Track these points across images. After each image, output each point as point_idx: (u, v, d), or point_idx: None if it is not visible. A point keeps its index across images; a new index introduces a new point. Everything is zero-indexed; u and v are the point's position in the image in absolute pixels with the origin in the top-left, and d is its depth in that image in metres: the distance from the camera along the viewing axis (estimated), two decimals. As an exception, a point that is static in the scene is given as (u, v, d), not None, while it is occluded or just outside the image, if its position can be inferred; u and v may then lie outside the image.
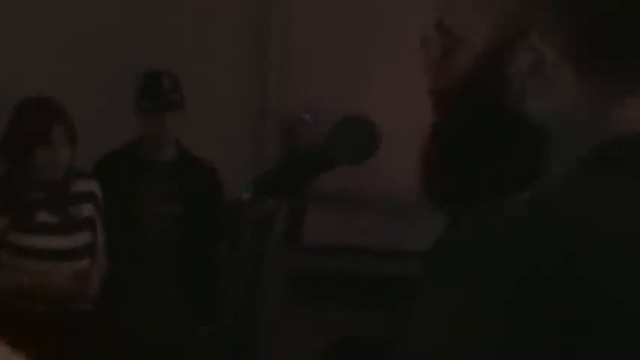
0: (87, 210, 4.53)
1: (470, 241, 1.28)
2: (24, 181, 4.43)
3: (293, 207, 1.75)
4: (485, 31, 1.38)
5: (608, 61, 1.34)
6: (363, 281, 6.02)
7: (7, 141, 4.47)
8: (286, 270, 4.64)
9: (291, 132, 6.13)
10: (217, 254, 5.15)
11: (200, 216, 5.07)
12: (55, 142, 4.40)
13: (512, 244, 1.26)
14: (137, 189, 5.00)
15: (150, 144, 5.04)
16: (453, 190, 1.45)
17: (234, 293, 4.79)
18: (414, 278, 1.36)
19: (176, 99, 5.01)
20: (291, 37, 6.53)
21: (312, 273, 5.70)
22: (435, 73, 1.41)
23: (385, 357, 1.35)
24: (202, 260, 5.13)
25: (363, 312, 5.67)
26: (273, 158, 6.02)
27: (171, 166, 5.10)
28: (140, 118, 5.04)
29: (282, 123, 6.22)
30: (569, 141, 1.37)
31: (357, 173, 3.37)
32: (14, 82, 5.08)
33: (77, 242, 4.51)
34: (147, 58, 5.57)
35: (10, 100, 4.62)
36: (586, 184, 1.33)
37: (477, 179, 1.43)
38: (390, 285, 4.62)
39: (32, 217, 4.42)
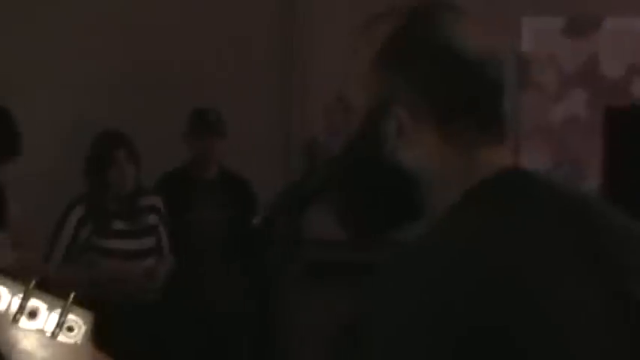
0: (152, 219, 4.68)
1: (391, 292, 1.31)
2: (103, 196, 4.54)
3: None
4: (366, 102, 1.42)
5: (458, 124, 1.40)
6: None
7: (88, 165, 4.58)
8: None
9: (311, 152, 6.24)
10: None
11: (238, 220, 5.15)
12: (120, 162, 4.56)
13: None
14: (189, 201, 5.16)
15: (198, 165, 5.24)
16: (356, 226, 1.50)
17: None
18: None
19: (220, 129, 5.19)
20: (312, 71, 6.52)
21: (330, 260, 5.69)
22: (336, 133, 1.54)
23: None
24: (242, 256, 5.21)
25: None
26: (298, 174, 6.13)
27: (214, 182, 5.25)
28: (191, 144, 5.23)
29: (304, 145, 6.30)
30: (442, 186, 1.40)
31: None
32: (95, 118, 5.26)
33: (145, 245, 4.65)
34: (195, 93, 5.80)
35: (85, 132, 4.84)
36: (461, 223, 1.36)
37: (368, 219, 1.48)
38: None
39: (110, 225, 4.57)
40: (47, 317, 1.36)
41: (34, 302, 1.35)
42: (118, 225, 4.61)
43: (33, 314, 1.35)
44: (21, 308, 1.34)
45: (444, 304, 1.25)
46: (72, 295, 1.40)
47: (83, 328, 1.40)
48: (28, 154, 4.54)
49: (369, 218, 1.47)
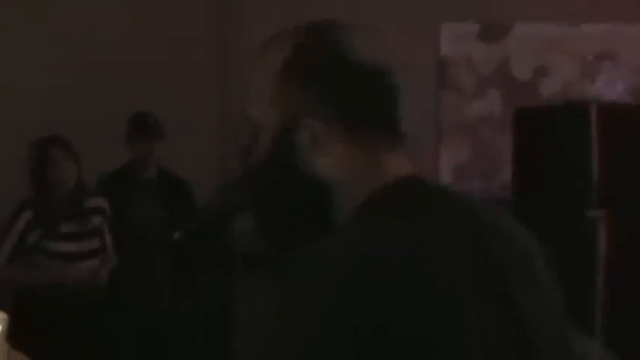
0: (97, 221, 4.62)
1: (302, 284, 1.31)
2: (46, 197, 4.48)
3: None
4: (276, 119, 1.42)
5: (363, 131, 1.42)
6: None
7: (29, 167, 4.53)
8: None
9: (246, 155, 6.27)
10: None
11: (176, 217, 5.05)
12: (58, 160, 4.50)
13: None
14: (129, 200, 5.13)
15: (138, 166, 5.21)
16: (274, 238, 1.49)
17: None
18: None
19: (158, 132, 5.17)
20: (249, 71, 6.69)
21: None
22: (247, 154, 1.48)
23: None
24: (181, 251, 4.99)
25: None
26: (235, 174, 6.12)
27: (154, 182, 5.23)
28: (131, 147, 5.20)
29: (239, 145, 6.32)
30: (353, 190, 1.41)
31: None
32: (33, 124, 5.10)
33: (90, 246, 4.60)
34: (134, 97, 5.67)
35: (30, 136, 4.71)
36: (364, 227, 1.37)
37: (288, 230, 1.47)
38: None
39: (58, 229, 4.50)
40: None
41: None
42: (66, 228, 4.55)
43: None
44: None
45: (344, 303, 1.26)
46: None
47: None
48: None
49: (286, 232, 1.47)
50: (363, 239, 1.33)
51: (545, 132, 5.41)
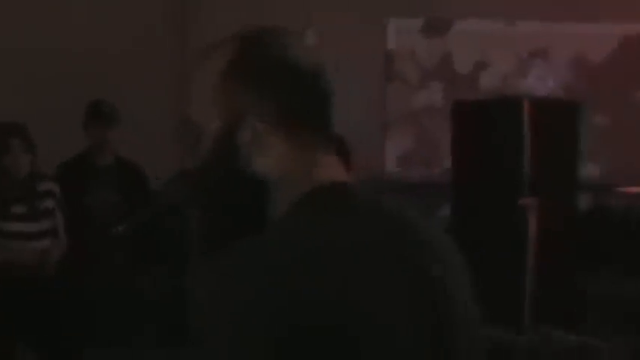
0: (49, 203, 4.59)
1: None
2: (1, 184, 4.47)
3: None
4: (218, 119, 1.43)
5: (301, 133, 1.42)
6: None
7: None
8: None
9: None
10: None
11: (131, 201, 5.13)
12: (14, 150, 4.47)
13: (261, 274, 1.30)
14: (87, 186, 5.10)
15: (95, 152, 5.19)
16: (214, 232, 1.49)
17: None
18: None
19: (113, 119, 5.15)
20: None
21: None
22: (191, 156, 1.48)
23: None
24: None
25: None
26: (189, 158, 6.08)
27: (110, 168, 5.21)
28: (88, 134, 5.17)
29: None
30: (288, 190, 1.42)
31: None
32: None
33: (42, 227, 4.58)
34: (91, 85, 5.66)
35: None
36: (295, 223, 1.38)
37: (227, 225, 1.47)
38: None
39: (9, 209, 4.49)
40: None
41: None
42: (18, 209, 4.54)
43: None
44: None
45: (272, 292, 1.27)
46: None
47: None
48: None
49: (225, 227, 1.48)
50: (293, 234, 1.35)
51: (481, 124, 5.47)
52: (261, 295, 1.27)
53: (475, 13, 6.99)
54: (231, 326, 1.28)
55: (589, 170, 6.86)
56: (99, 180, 5.16)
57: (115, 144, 5.24)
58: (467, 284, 1.52)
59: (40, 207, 4.59)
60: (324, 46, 6.86)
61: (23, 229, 4.55)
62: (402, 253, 1.40)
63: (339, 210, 1.40)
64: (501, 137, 5.27)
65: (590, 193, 6.40)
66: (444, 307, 1.42)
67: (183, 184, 4.36)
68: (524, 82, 5.83)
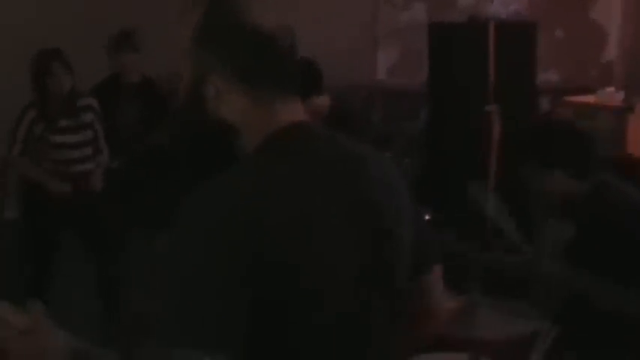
0: (89, 117, 4.55)
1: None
2: (47, 100, 4.41)
3: None
4: (191, 72, 1.44)
5: (259, 86, 1.41)
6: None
7: (32, 76, 4.44)
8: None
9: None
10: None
11: (155, 115, 5.05)
12: (57, 72, 4.39)
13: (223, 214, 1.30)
14: (118, 100, 5.06)
15: (124, 73, 5.12)
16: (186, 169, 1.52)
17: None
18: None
19: (134, 44, 5.09)
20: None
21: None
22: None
23: None
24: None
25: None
26: None
27: (137, 86, 5.15)
28: (112, 59, 5.13)
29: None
30: (251, 134, 1.41)
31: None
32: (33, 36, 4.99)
33: (85, 137, 4.54)
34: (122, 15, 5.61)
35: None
36: (258, 166, 1.38)
37: (198, 162, 1.50)
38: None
39: (57, 123, 4.45)
40: None
41: None
42: (63, 123, 4.47)
43: None
44: None
45: (228, 234, 1.27)
46: None
47: None
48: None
49: (196, 165, 1.53)
50: (248, 180, 1.34)
51: (453, 42, 5.47)
52: (216, 237, 1.27)
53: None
54: (190, 268, 1.27)
55: (549, 76, 6.90)
56: (125, 97, 5.14)
57: (137, 67, 5.16)
58: (409, 210, 1.51)
59: (81, 120, 4.54)
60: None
61: (67, 140, 4.50)
62: (351, 187, 1.40)
63: (295, 148, 1.39)
64: (470, 54, 5.28)
65: (550, 96, 6.46)
66: (386, 234, 1.43)
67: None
68: (491, 6, 5.79)
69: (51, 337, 1.27)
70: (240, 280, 1.24)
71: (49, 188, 4.41)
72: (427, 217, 3.96)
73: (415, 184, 5.38)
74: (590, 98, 4.57)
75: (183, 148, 1.54)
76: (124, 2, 5.99)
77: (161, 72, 5.04)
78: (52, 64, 4.43)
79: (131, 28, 5.13)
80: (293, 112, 1.43)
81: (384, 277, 1.42)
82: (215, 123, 1.41)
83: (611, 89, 4.52)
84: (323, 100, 3.37)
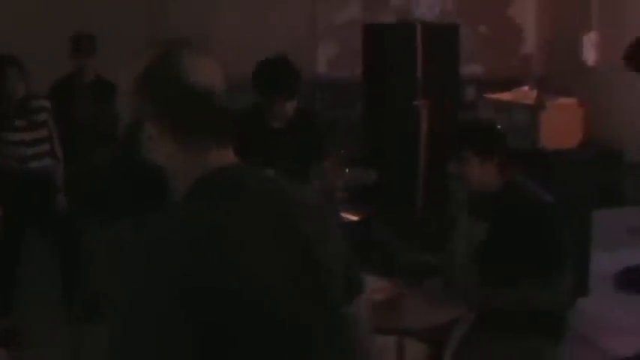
0: (43, 116, 4.48)
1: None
2: (4, 105, 4.35)
3: None
4: (130, 115, 1.41)
5: (191, 136, 1.40)
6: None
7: None
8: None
9: None
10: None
11: (107, 113, 4.87)
12: (11, 76, 4.31)
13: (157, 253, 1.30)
14: (72, 100, 5.01)
15: (78, 73, 5.08)
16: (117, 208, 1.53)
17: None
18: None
19: (90, 48, 5.05)
20: None
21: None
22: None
23: None
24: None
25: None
26: None
27: (89, 85, 5.08)
28: (73, 61, 5.07)
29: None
30: (182, 178, 1.40)
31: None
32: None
33: (40, 135, 4.48)
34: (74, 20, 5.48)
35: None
36: (189, 206, 1.38)
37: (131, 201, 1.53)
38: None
39: (12, 123, 4.39)
40: None
41: None
42: (19, 122, 4.40)
43: None
44: None
45: (166, 265, 1.27)
46: None
47: None
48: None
49: (127, 202, 1.50)
50: (189, 214, 1.35)
51: (385, 42, 5.46)
52: (155, 264, 1.28)
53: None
54: (141, 284, 1.28)
55: (473, 69, 6.93)
56: (82, 94, 5.08)
57: (94, 68, 5.11)
58: (333, 235, 1.51)
59: (35, 119, 4.45)
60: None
61: (24, 137, 4.42)
62: (278, 217, 1.40)
63: (223, 188, 1.39)
64: (400, 53, 5.27)
65: (474, 87, 6.50)
66: (311, 255, 1.42)
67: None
68: (417, 9, 5.79)
69: None
70: (180, 312, 1.25)
71: None
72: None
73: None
74: (507, 95, 4.58)
75: (121, 182, 1.49)
76: (83, 8, 5.87)
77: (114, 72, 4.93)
78: (6, 69, 4.33)
79: (88, 33, 5.09)
80: (223, 157, 1.42)
81: (316, 296, 1.41)
82: (151, 163, 1.41)
83: (525, 88, 4.56)
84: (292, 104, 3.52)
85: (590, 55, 6.72)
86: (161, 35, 6.03)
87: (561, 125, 4.39)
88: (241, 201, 1.37)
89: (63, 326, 4.42)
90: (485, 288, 2.95)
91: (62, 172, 4.57)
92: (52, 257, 4.58)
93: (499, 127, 3.23)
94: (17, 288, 4.50)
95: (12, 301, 4.48)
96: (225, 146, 1.42)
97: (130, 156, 1.42)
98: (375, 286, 2.74)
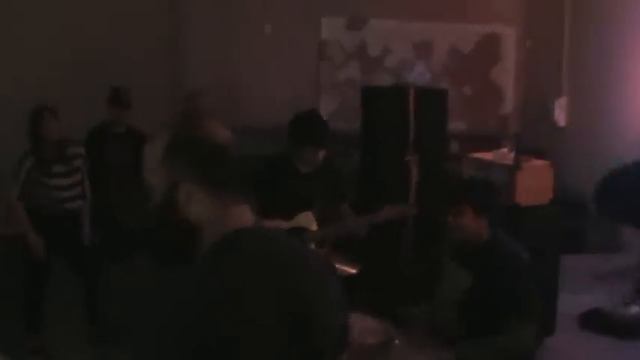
0: (77, 163, 4.49)
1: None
2: (43, 149, 4.33)
3: None
4: (163, 180, 1.44)
5: (219, 192, 1.43)
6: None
7: (29, 128, 4.35)
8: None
9: (191, 101, 6.03)
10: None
11: (138, 158, 5.12)
12: (47, 119, 4.30)
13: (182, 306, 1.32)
14: (106, 146, 5.01)
15: (113, 124, 5.06)
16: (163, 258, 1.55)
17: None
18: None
19: (127, 102, 5.02)
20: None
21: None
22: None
23: None
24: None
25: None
26: None
27: (123, 135, 5.07)
28: (109, 111, 5.04)
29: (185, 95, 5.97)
30: (211, 232, 1.42)
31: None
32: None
33: (73, 180, 4.48)
34: (111, 72, 5.63)
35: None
36: (216, 260, 1.39)
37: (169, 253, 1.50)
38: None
39: (51, 169, 4.38)
40: None
41: None
42: (56, 168, 4.40)
43: None
44: None
45: (184, 311, 1.30)
46: None
47: None
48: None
49: (169, 253, 1.50)
50: (203, 270, 1.38)
51: (381, 102, 5.50)
52: (184, 309, 1.31)
53: (382, 13, 6.98)
54: (161, 327, 1.31)
55: (458, 125, 7.00)
56: (115, 143, 5.08)
57: (128, 119, 5.10)
58: (332, 288, 1.50)
59: (71, 165, 4.46)
60: (277, 35, 6.85)
61: (62, 183, 4.42)
62: (284, 278, 1.41)
63: (240, 249, 1.41)
64: (395, 112, 5.31)
65: (458, 142, 6.55)
66: (309, 313, 1.42)
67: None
68: (410, 76, 5.88)
69: None
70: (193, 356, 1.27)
71: (27, 239, 4.31)
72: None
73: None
74: (488, 155, 4.64)
75: (150, 238, 1.52)
76: (117, 65, 5.89)
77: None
78: (43, 114, 4.34)
79: (123, 87, 5.07)
80: (245, 215, 1.44)
81: (310, 352, 1.41)
82: (181, 224, 1.41)
83: (504, 150, 4.62)
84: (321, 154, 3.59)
85: (560, 117, 6.80)
86: (182, 90, 6.38)
87: (534, 184, 4.44)
88: (251, 261, 1.39)
89: (85, 346, 4.44)
90: (467, 339, 2.96)
91: (88, 210, 4.57)
92: (76, 284, 4.60)
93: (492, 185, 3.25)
94: (46, 311, 4.52)
95: (41, 322, 4.50)
96: (244, 201, 1.44)
97: (164, 217, 1.44)
98: (366, 327, 2.69)
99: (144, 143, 5.02)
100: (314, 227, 3.75)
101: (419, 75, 5.69)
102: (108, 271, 4.74)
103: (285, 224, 3.59)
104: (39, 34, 5.78)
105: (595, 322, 4.91)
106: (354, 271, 3.95)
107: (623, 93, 6.34)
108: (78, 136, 4.81)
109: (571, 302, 4.96)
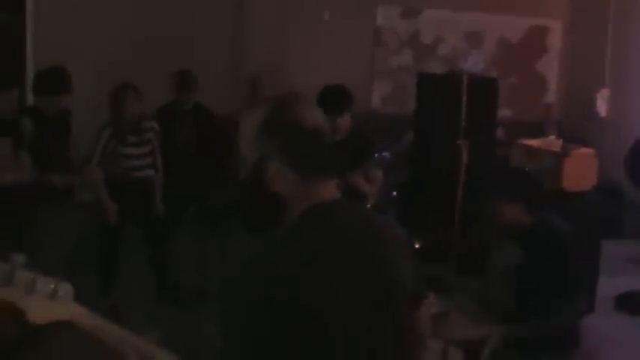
0: (150, 135, 4.48)
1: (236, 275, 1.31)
2: (120, 122, 4.34)
3: None
4: (254, 155, 1.40)
5: (306, 170, 1.39)
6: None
7: (111, 104, 4.35)
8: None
9: (255, 84, 5.96)
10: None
11: (206, 135, 5.00)
12: (129, 101, 4.30)
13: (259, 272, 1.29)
14: (175, 123, 4.96)
15: (181, 103, 5.01)
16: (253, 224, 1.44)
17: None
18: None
19: (193, 85, 4.96)
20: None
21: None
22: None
23: None
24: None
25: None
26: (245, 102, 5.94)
27: (190, 111, 5.05)
28: (176, 93, 4.99)
29: (249, 78, 5.95)
30: (295, 205, 1.39)
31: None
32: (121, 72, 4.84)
33: (146, 150, 4.48)
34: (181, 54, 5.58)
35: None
36: (297, 232, 1.36)
37: (258, 220, 1.43)
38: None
39: (127, 139, 4.39)
40: None
41: None
42: (131, 139, 4.41)
43: None
44: None
45: (263, 279, 1.27)
46: None
47: None
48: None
49: (258, 219, 1.45)
50: (287, 240, 1.35)
51: (435, 89, 5.40)
52: (254, 281, 1.27)
53: (436, 4, 6.84)
54: (232, 304, 1.27)
55: (505, 112, 6.84)
56: (183, 119, 5.04)
57: (195, 98, 5.05)
58: (408, 260, 1.48)
59: (145, 137, 4.47)
60: (335, 22, 6.75)
61: (134, 152, 4.44)
62: (366, 247, 1.38)
63: (319, 223, 1.37)
64: (448, 98, 5.21)
65: (505, 128, 6.40)
66: (393, 281, 1.40)
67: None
68: (465, 64, 5.75)
69: None
70: (274, 324, 1.22)
71: (103, 205, 4.34)
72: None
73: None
74: (537, 142, 4.51)
75: (239, 209, 1.49)
76: (186, 47, 5.86)
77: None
78: (126, 95, 4.33)
79: (189, 71, 5.00)
80: (329, 190, 1.40)
81: (392, 314, 1.38)
82: (269, 193, 1.39)
83: (552, 137, 4.49)
84: (347, 120, 3.67)
85: (602, 107, 6.61)
86: (243, 71, 6.40)
87: (580, 171, 4.32)
88: (335, 231, 1.36)
89: (154, 308, 4.46)
90: (516, 314, 2.90)
91: (161, 181, 4.56)
92: (145, 251, 4.59)
93: (529, 172, 3.18)
94: (117, 274, 4.54)
95: (113, 284, 4.52)
96: (332, 178, 1.41)
97: (255, 187, 1.41)
98: (427, 301, 2.71)
99: (212, 118, 5.04)
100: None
101: (473, 64, 5.56)
102: (174, 237, 4.74)
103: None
104: (120, 21, 5.77)
105: (630, 303, 4.83)
106: (416, 245, 3.90)
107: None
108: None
109: (608, 284, 4.83)
